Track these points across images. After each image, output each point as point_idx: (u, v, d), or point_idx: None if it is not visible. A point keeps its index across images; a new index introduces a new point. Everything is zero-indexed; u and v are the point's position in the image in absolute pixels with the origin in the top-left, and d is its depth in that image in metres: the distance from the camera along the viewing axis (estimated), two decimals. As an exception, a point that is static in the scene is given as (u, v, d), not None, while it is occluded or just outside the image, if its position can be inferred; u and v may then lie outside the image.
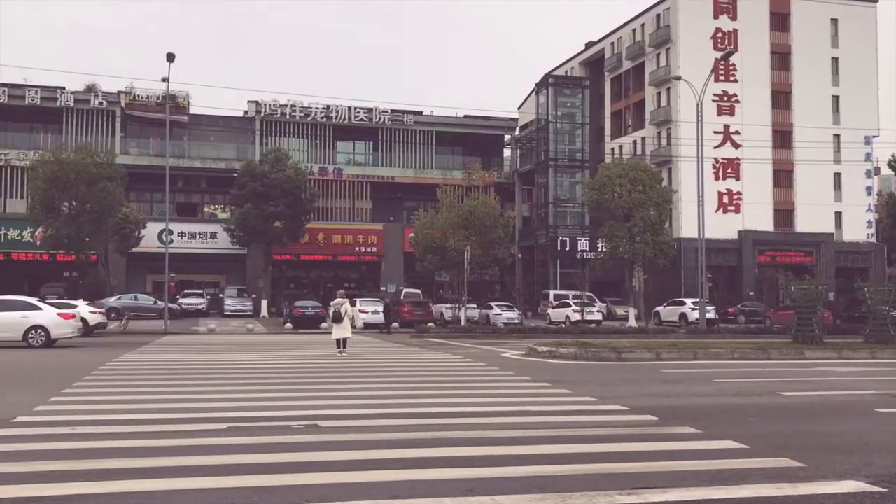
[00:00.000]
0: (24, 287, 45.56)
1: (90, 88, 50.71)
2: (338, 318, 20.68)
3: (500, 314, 38.69)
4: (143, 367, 16.99)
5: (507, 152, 60.76)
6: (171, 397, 11.96)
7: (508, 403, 11.68)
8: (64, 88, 49.60)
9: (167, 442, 8.39)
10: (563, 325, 37.29)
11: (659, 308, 41.38)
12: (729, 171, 51.33)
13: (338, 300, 21.39)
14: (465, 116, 57.31)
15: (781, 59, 53.90)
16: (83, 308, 29.21)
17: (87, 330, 28.12)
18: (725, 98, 51.58)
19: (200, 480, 6.69)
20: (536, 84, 55.85)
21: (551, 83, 54.36)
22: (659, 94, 54.05)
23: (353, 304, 26.62)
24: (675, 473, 7.17)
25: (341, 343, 20.70)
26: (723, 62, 45.30)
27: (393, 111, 54.84)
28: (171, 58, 33.80)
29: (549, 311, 42.19)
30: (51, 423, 9.56)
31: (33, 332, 22.30)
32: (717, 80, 49.51)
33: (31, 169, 38.95)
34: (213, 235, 48.99)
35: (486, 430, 9.31)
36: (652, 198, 38.02)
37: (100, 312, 30.64)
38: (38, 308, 23.08)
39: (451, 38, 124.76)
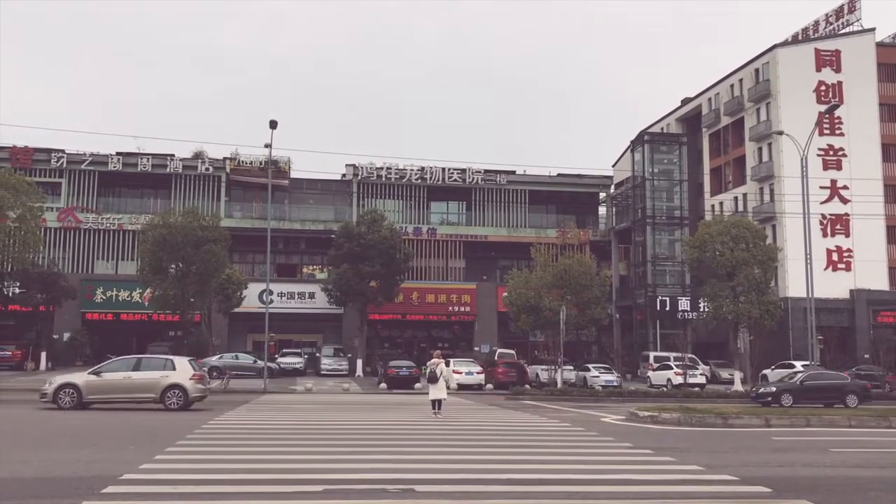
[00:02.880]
0: (132, 345, 47.59)
1: (197, 155, 53.29)
2: (433, 379, 20.58)
3: (597, 376, 37.71)
4: (242, 427, 17.24)
5: (601, 210, 60.11)
6: (269, 457, 12.03)
7: (610, 471, 11.21)
8: (173, 156, 52.32)
9: (263, 503, 8.38)
10: (665, 389, 35.97)
11: (766, 371, 39.46)
12: (838, 227, 49.13)
13: (434, 360, 21.33)
14: (559, 175, 57.21)
15: (891, 110, 51.75)
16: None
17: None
18: (831, 152, 49.72)
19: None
20: (632, 141, 55.36)
21: (647, 140, 53.76)
22: (760, 149, 52.59)
23: (447, 365, 26.49)
24: (796, 553, 6.64)
25: (436, 405, 20.54)
26: (827, 115, 43.79)
27: (486, 171, 55.33)
28: (273, 125, 35.20)
29: (650, 373, 40.87)
30: (155, 481, 9.72)
31: (171, 392, 21.41)
32: (821, 133, 47.85)
33: (142, 232, 40.93)
34: (312, 295, 50.02)
35: (587, 500, 8.93)
36: (756, 256, 36.67)
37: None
38: (173, 367, 21.98)
39: (543, 97, 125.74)
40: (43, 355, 42.46)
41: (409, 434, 16.14)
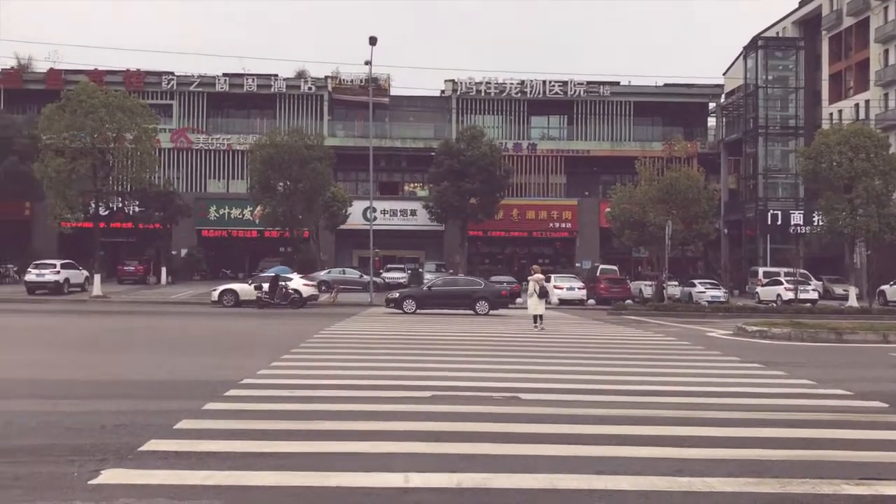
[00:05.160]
0: (245, 261, 49.68)
1: (300, 75, 53.93)
2: (544, 294, 20.84)
3: (703, 292, 36.93)
4: (352, 337, 17.91)
5: (711, 121, 57.63)
6: (378, 364, 12.49)
7: (717, 384, 11.10)
8: (277, 76, 53.11)
9: (376, 407, 8.75)
10: (774, 305, 34.96)
11: (885, 287, 37.65)
12: (972, 134, 45.56)
13: (534, 276, 21.42)
14: (665, 85, 54.99)
15: None
16: (297, 281, 31.39)
17: (301, 301, 30.18)
18: (968, 52, 45.71)
19: (407, 445, 6.90)
20: (744, 47, 52.38)
21: (761, 45, 50.72)
22: (886, 51, 48.86)
23: (547, 280, 26.57)
24: (913, 466, 6.46)
25: (538, 318, 20.70)
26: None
27: (588, 83, 53.73)
28: (373, 41, 35.12)
29: (759, 289, 39.71)
30: (272, 385, 10.29)
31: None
32: (957, 31, 43.96)
33: (250, 152, 42.18)
34: (413, 213, 50.64)
35: (695, 411, 8.90)
36: (877, 166, 34.52)
37: (312, 285, 32.68)
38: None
39: (649, 3, 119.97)
40: (163, 270, 45.00)
41: (512, 346, 16.38)
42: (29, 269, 35.72)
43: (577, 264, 49.61)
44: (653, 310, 30.91)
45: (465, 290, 28.62)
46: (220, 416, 8.21)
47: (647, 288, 38.73)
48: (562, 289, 35.66)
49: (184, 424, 7.69)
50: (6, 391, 9.67)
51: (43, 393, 9.57)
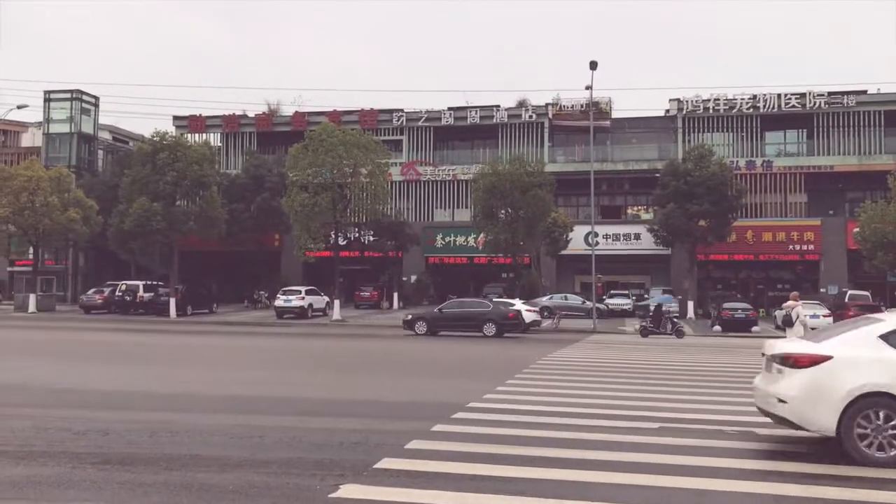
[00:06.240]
0: (469, 286, 51.12)
1: (521, 104, 54.87)
2: (788, 323, 19.55)
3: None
4: (575, 363, 17.73)
5: (979, 128, 51.00)
6: (603, 393, 12.25)
7: None
8: (499, 106, 54.40)
9: (601, 436, 8.58)
10: None
11: None
12: None
13: (789, 303, 20.26)
14: (922, 91, 49.51)
15: None
16: (520, 306, 31.71)
17: (524, 326, 30.44)
18: None
19: (636, 477, 6.68)
20: None
21: None
22: None
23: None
24: None
25: None
26: None
27: (830, 93, 49.66)
28: (593, 66, 34.98)
29: None
30: (497, 410, 10.43)
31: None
32: None
33: (473, 181, 43.50)
34: (637, 236, 49.41)
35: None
36: None
37: (534, 311, 32.85)
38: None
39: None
40: (395, 295, 47.52)
41: (747, 378, 15.35)
42: (278, 296, 39.26)
43: (823, 289, 45.70)
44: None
45: (472, 313, 27.85)
46: (447, 437, 8.45)
47: (904, 316, 34.80)
48: (805, 316, 32.95)
49: (414, 444, 8.01)
50: (267, 408, 10.68)
51: (293, 409, 10.42)
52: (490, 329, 27.37)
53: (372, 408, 10.66)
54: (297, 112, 55.68)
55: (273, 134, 55.92)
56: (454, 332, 27.83)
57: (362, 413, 10.15)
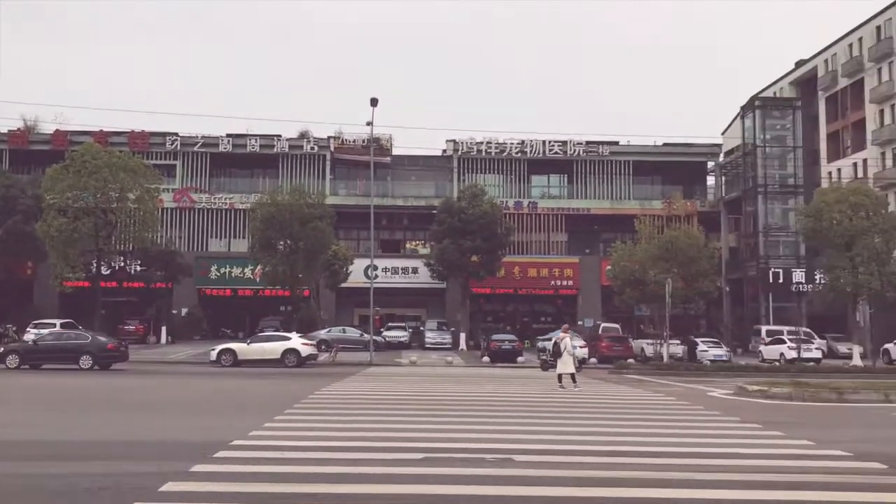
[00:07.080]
0: (245, 320, 49.53)
1: (303, 135, 54.62)
2: (558, 354, 20.87)
3: (706, 351, 36.65)
4: (348, 397, 17.73)
5: (710, 180, 58.04)
6: (373, 426, 12.33)
7: (714, 445, 10.93)
8: (280, 136, 53.79)
9: (367, 469, 8.61)
10: (778, 364, 34.64)
11: (889, 346, 37.38)
12: (970, 192, 45.76)
13: (560, 335, 21.56)
14: (664, 144, 55.51)
15: None
16: (296, 340, 31.26)
17: (300, 361, 30.01)
18: (963, 111, 46.27)
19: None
20: (742, 107, 53.11)
21: (758, 105, 51.42)
22: (882, 111, 49.50)
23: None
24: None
25: (562, 378, 20.72)
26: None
27: (587, 142, 54.32)
28: (374, 102, 35.70)
29: (762, 348, 39.42)
30: (263, 447, 10.14)
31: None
32: (951, 92, 44.57)
33: (251, 211, 42.43)
34: (415, 270, 50.65)
35: (693, 472, 8.74)
36: (877, 224, 34.65)
37: (311, 345, 32.51)
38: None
39: (646, 63, 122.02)
40: (163, 329, 44.86)
41: (510, 406, 16.19)
42: (28, 329, 35.65)
43: (580, 322, 49.40)
44: (655, 369, 30.64)
45: (69, 345, 27.70)
46: (207, 478, 8.08)
47: (648, 347, 38.46)
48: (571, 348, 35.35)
49: (169, 487, 7.57)
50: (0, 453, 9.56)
51: (26, 454, 9.44)
52: (86, 361, 26.56)
53: (126, 448, 9.96)
54: (58, 130, 51.49)
55: (29, 152, 51.21)
56: (51, 364, 26.79)
57: (115, 455, 9.44)
